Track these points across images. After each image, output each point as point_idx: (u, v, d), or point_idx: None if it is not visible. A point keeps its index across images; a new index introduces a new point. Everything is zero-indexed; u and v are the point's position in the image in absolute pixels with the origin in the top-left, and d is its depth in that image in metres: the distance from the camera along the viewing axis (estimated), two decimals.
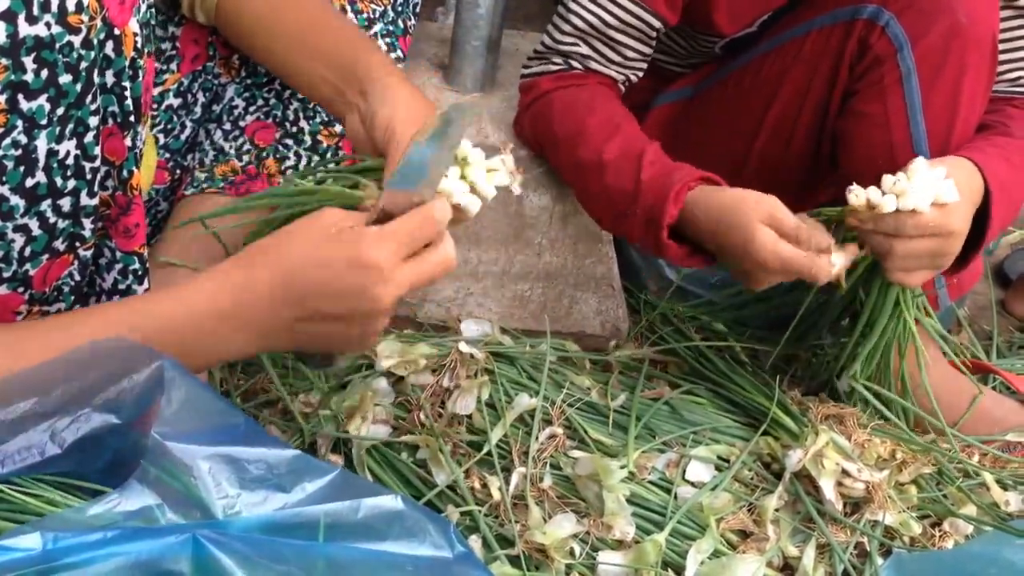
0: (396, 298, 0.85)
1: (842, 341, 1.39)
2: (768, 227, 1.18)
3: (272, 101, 1.33)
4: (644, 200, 1.29)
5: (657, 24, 1.42)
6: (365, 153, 1.07)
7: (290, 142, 1.33)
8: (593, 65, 1.45)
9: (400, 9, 1.36)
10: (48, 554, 0.65)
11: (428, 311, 1.42)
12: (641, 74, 1.50)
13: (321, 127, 1.33)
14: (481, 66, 1.62)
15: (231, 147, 1.32)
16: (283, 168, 1.33)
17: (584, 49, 1.44)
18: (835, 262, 1.19)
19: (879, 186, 1.19)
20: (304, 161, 1.33)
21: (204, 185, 1.29)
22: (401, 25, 1.36)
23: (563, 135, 1.42)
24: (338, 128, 1.34)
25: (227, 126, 1.32)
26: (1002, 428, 1.44)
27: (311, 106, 1.33)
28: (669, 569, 1.12)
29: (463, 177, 0.98)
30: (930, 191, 1.17)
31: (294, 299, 0.84)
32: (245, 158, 1.31)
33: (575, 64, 1.45)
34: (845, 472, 1.21)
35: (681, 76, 1.66)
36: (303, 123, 1.33)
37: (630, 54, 1.45)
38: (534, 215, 1.55)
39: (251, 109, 1.33)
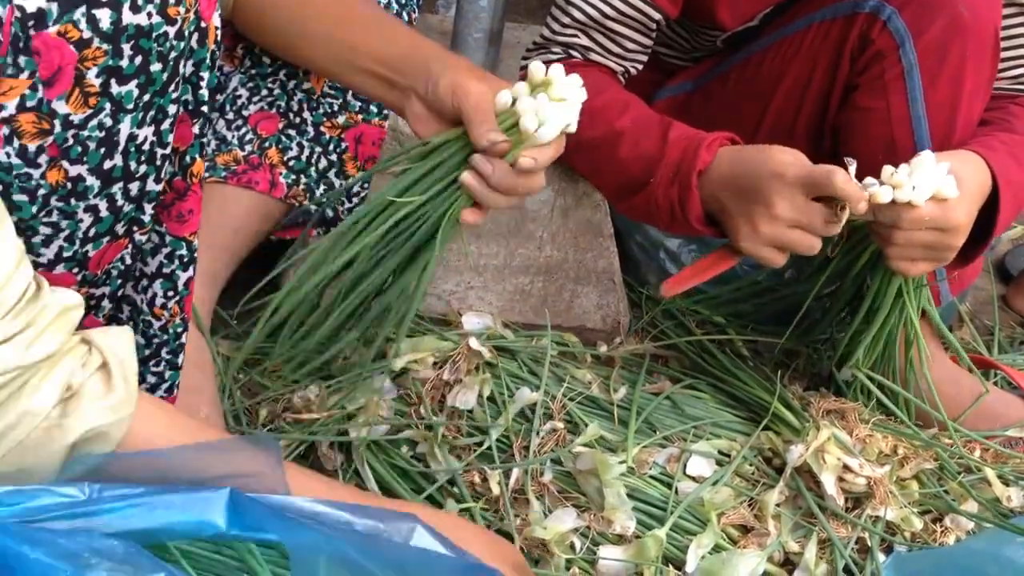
0: None
1: (841, 335, 1.39)
2: None
3: (276, 91, 1.32)
4: (671, 156, 1.29)
5: (657, 16, 1.42)
6: (432, 135, 1.05)
7: (293, 133, 1.32)
8: (593, 56, 1.45)
9: (404, 1, 1.36)
10: (91, 500, 0.67)
11: (429, 304, 1.42)
12: (641, 66, 1.49)
13: (324, 118, 1.33)
14: (482, 59, 1.62)
15: (234, 136, 1.31)
16: (285, 159, 1.32)
17: (584, 40, 1.44)
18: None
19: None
20: (307, 152, 1.33)
21: (206, 175, 1.29)
22: (405, 17, 1.36)
23: None
24: (340, 120, 1.34)
25: (230, 115, 1.32)
26: (1003, 424, 1.43)
27: (315, 97, 1.32)
28: (670, 564, 1.12)
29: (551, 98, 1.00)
30: (930, 185, 1.16)
31: None
32: (248, 147, 1.31)
33: (575, 54, 1.45)
34: (846, 467, 1.21)
35: (682, 69, 1.65)
36: (306, 114, 1.33)
37: (630, 45, 1.45)
38: (535, 209, 1.55)
39: (255, 99, 1.32)
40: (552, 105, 1.00)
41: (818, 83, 1.43)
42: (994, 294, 1.84)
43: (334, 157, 1.35)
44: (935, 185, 1.17)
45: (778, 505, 1.19)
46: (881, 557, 1.16)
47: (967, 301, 1.81)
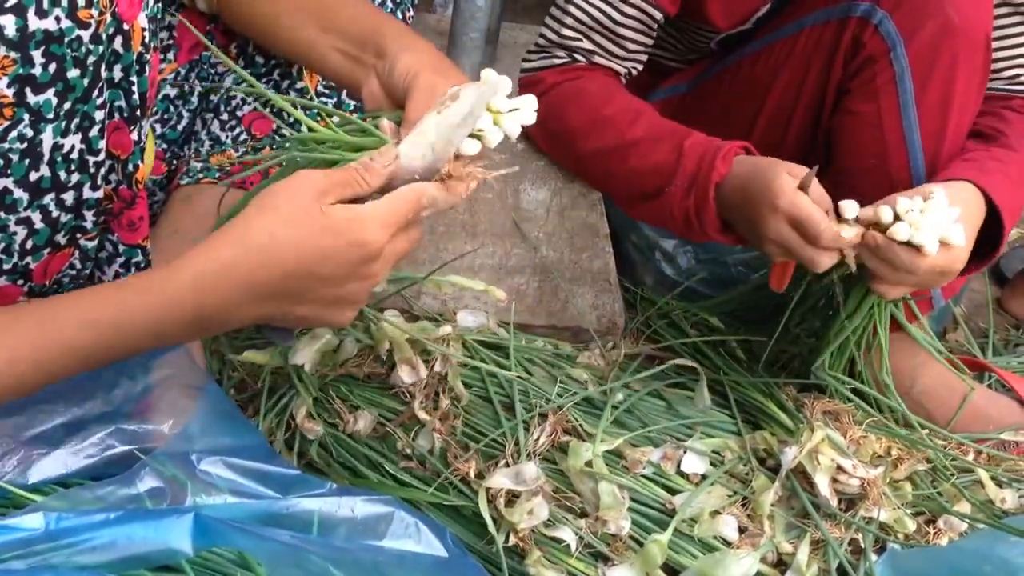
0: (386, 273, 0.86)
1: (810, 338, 1.39)
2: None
3: (270, 92, 1.32)
4: (686, 167, 1.30)
5: (659, 16, 1.42)
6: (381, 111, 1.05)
7: (287, 132, 1.32)
8: (597, 59, 1.45)
9: (399, 0, 1.36)
10: (51, 534, 0.66)
11: (424, 304, 1.42)
12: (641, 66, 1.50)
13: (318, 118, 1.33)
14: (479, 58, 1.62)
15: (228, 137, 1.31)
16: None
17: (587, 44, 1.44)
18: (845, 235, 1.17)
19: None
20: None
21: (200, 175, 1.28)
22: (400, 16, 1.36)
23: (577, 125, 1.43)
24: (335, 120, 1.34)
25: (224, 116, 1.32)
26: (997, 426, 1.43)
27: (309, 97, 1.32)
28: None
29: (488, 109, 0.96)
30: (940, 230, 1.15)
31: (278, 291, 0.82)
32: (242, 148, 1.31)
33: (579, 58, 1.45)
34: (840, 468, 1.21)
35: (676, 72, 1.66)
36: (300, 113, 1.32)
37: (632, 46, 1.45)
38: (531, 208, 1.55)
39: (249, 99, 1.32)
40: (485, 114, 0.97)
41: (811, 86, 1.43)
42: (989, 297, 1.84)
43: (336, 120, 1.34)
44: (944, 230, 1.16)
45: (772, 505, 1.19)
46: (874, 558, 1.16)
47: (962, 303, 1.81)
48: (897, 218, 1.16)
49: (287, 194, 0.82)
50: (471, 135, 0.95)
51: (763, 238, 1.21)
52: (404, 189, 0.87)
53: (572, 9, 1.43)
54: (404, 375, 1.21)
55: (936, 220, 1.15)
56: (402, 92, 0.99)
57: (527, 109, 0.99)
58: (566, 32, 1.44)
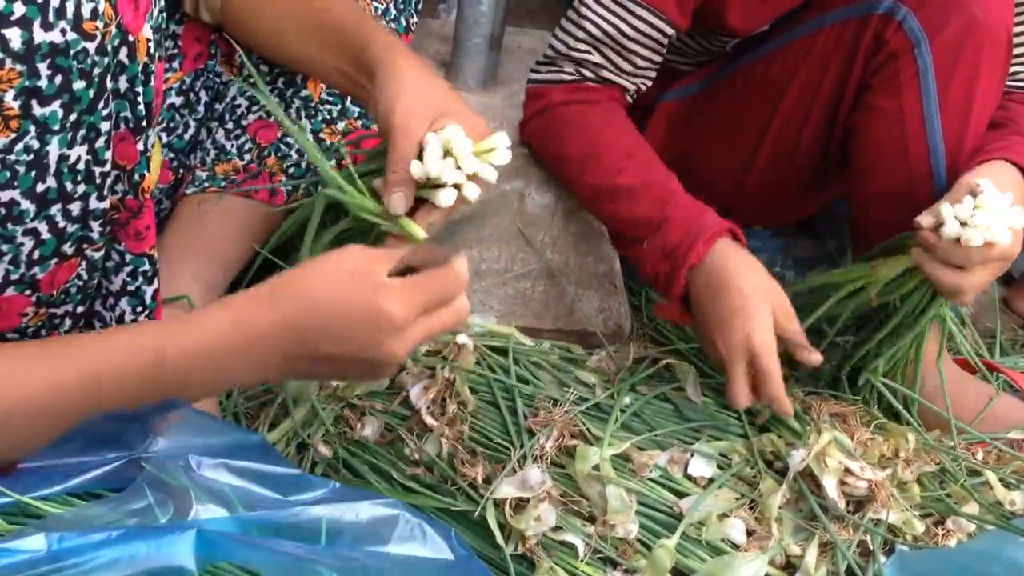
0: (407, 353, 0.87)
1: (849, 341, 1.39)
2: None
3: (274, 100, 1.33)
4: (670, 234, 1.30)
5: (671, 32, 1.41)
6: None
7: (292, 140, 1.33)
8: (605, 74, 1.43)
9: (402, 6, 1.36)
10: (53, 555, 0.66)
11: None
12: (650, 82, 1.49)
13: (323, 125, 1.33)
14: (483, 63, 1.62)
15: (233, 146, 1.31)
16: (285, 166, 1.32)
17: (597, 58, 1.42)
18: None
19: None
20: (305, 159, 1.33)
21: (206, 184, 1.29)
22: (403, 22, 1.36)
23: (574, 154, 1.42)
24: (340, 126, 1.34)
25: (229, 125, 1.32)
26: (1004, 426, 1.43)
27: (313, 104, 1.33)
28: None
29: (457, 168, 0.98)
30: (1004, 219, 1.18)
31: (302, 338, 0.86)
32: (247, 156, 1.31)
33: (587, 73, 1.43)
34: (848, 471, 1.21)
35: (687, 74, 1.65)
36: (305, 121, 1.33)
37: (641, 63, 1.44)
38: (536, 213, 1.55)
39: (253, 108, 1.32)
40: (445, 167, 1.00)
41: (829, 85, 1.43)
42: (995, 296, 1.84)
43: (334, 163, 1.35)
44: (1007, 218, 1.18)
45: (780, 508, 1.19)
46: (883, 559, 1.16)
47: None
48: (963, 224, 1.19)
49: (327, 259, 0.88)
50: (444, 185, 0.99)
51: (715, 346, 1.26)
52: (437, 271, 0.89)
53: (584, 23, 1.41)
54: (415, 396, 1.22)
55: (997, 211, 1.18)
56: (384, 134, 1.03)
57: (500, 148, 1.01)
58: (576, 45, 1.43)
